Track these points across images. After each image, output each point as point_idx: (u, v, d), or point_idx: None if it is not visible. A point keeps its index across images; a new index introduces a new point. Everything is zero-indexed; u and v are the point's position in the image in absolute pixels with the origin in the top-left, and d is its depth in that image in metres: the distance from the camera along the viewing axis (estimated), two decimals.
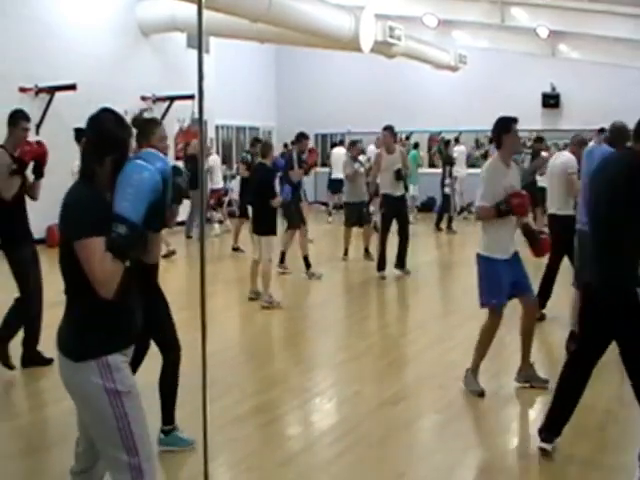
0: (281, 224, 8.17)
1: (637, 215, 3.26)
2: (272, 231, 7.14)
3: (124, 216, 2.23)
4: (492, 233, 4.51)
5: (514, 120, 4.57)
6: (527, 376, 4.74)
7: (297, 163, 8.94)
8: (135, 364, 3.84)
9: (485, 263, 4.53)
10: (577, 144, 6.27)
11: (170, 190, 2.51)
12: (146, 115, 4.44)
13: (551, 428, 3.67)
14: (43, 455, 3.85)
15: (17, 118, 4.95)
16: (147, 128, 3.71)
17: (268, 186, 7.22)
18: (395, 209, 8.83)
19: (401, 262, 8.91)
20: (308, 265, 8.81)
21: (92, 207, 2.29)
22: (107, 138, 2.35)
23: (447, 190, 13.41)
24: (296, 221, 8.95)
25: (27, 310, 5.06)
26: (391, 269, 8.91)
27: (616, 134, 5.23)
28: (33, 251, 5.12)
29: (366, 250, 10.11)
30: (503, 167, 4.52)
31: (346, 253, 10.09)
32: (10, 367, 5.01)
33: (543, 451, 3.67)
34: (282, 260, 8.99)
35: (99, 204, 2.30)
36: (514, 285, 4.53)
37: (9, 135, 4.94)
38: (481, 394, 4.57)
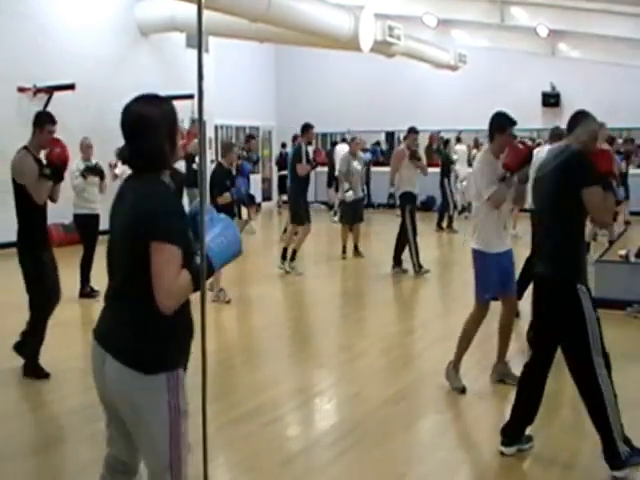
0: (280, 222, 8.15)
1: (569, 206, 3.37)
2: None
3: (211, 259, 2.26)
4: (486, 227, 4.49)
5: (512, 122, 4.53)
6: (501, 373, 4.76)
7: (305, 157, 8.91)
8: None
9: (480, 258, 4.53)
10: (555, 137, 6.35)
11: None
12: None
13: (512, 432, 3.66)
14: (43, 455, 3.84)
15: (43, 121, 4.86)
16: None
17: (217, 184, 7.12)
18: (414, 206, 8.94)
19: (397, 259, 8.93)
20: (292, 258, 8.80)
21: (178, 214, 2.21)
22: (170, 118, 2.32)
23: (446, 189, 13.41)
24: (299, 218, 8.93)
25: (40, 312, 4.96)
26: (386, 268, 8.90)
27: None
28: (52, 255, 5.08)
29: (356, 248, 10.12)
30: (493, 159, 4.51)
31: (344, 251, 10.08)
32: (45, 375, 4.93)
33: (502, 454, 3.67)
34: (284, 257, 8.94)
35: (181, 211, 2.25)
36: (499, 282, 4.54)
37: (34, 136, 4.86)
38: (462, 390, 4.60)
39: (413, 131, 9.23)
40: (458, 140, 15.71)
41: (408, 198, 8.93)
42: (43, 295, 4.92)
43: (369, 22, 11.61)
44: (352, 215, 10.00)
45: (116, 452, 2.41)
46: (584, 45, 15.36)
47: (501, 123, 4.50)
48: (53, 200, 5.07)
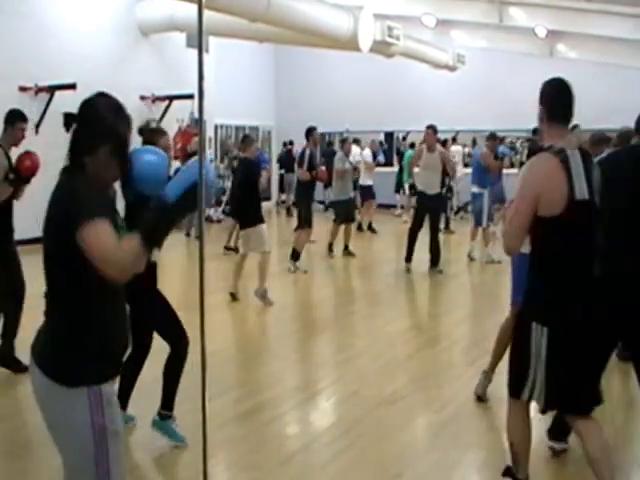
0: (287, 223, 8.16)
1: None
2: (257, 220, 7.02)
3: (165, 198, 1.98)
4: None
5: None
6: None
7: (308, 161, 9.00)
8: (136, 368, 3.90)
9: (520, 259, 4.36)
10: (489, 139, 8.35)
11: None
12: (153, 125, 4.52)
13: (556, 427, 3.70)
14: (41, 455, 3.85)
15: (14, 118, 4.98)
16: (152, 137, 3.86)
17: (251, 177, 7.20)
18: (428, 207, 8.90)
19: (435, 260, 8.96)
20: (295, 258, 8.88)
21: (89, 195, 2.00)
22: (100, 125, 2.07)
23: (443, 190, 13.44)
24: (300, 221, 9.05)
25: (18, 302, 5.03)
26: (384, 268, 8.92)
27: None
28: (16, 250, 5.25)
29: (346, 247, 10.16)
30: None
31: (331, 249, 10.14)
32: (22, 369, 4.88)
33: (552, 450, 3.73)
34: (293, 257, 9.01)
35: (96, 194, 2.04)
36: None
37: (5, 134, 4.98)
38: (479, 398, 4.52)
39: (313, 129, 9.28)
40: (453, 140, 15.74)
41: (420, 198, 9.09)
42: (9, 289, 5.04)
43: (368, 22, 11.63)
44: (345, 214, 10.02)
45: None
46: (582, 46, 15.38)
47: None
48: (16, 198, 5.16)
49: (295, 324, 6.70)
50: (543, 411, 3.04)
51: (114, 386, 2.21)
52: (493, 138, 10.00)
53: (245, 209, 7.18)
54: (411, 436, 4.19)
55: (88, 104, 2.13)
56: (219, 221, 13.58)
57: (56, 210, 2.04)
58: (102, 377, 2.08)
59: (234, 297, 7.24)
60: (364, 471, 3.66)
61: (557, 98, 3.07)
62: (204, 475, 2.97)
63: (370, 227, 12.95)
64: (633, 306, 3.25)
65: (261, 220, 7.06)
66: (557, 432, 3.74)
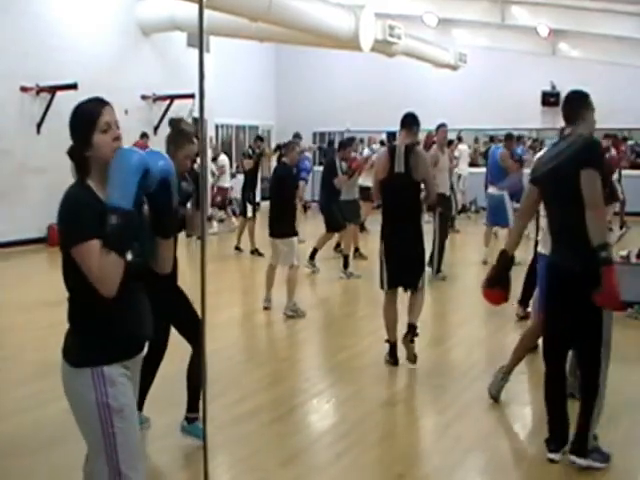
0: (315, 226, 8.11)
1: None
2: (291, 232, 6.75)
3: (114, 205, 2.13)
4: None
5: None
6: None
7: (340, 169, 9.06)
8: (152, 367, 3.83)
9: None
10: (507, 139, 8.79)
11: (176, 193, 2.39)
12: (185, 122, 3.73)
13: (553, 437, 3.66)
14: (41, 455, 3.84)
15: None
16: (178, 139, 3.69)
17: (286, 183, 6.91)
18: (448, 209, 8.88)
19: (438, 267, 8.80)
20: (346, 265, 8.88)
21: (84, 210, 2.18)
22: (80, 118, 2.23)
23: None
24: (335, 224, 9.06)
25: None
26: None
27: None
28: None
29: (356, 250, 10.04)
30: None
31: (357, 250, 10.09)
32: None
33: (551, 461, 3.64)
34: (312, 257, 9.04)
35: (93, 205, 2.19)
36: None
37: None
38: (495, 400, 4.46)
39: (348, 144, 9.29)
40: (459, 140, 15.70)
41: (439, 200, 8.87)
42: None
43: (369, 21, 11.61)
44: (351, 215, 9.89)
45: None
46: (585, 45, 15.36)
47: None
48: None
49: (295, 325, 6.68)
50: None
51: (126, 368, 2.32)
52: (510, 138, 9.68)
53: (277, 218, 6.77)
54: (413, 437, 4.18)
55: (77, 108, 2.29)
56: (221, 220, 13.57)
57: (59, 219, 2.25)
58: (107, 359, 2.25)
59: (266, 309, 6.97)
60: (366, 472, 3.65)
61: None
62: (205, 476, 2.97)
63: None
64: None
65: (294, 233, 6.79)
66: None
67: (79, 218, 2.18)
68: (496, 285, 3.80)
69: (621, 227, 11.87)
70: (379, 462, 3.72)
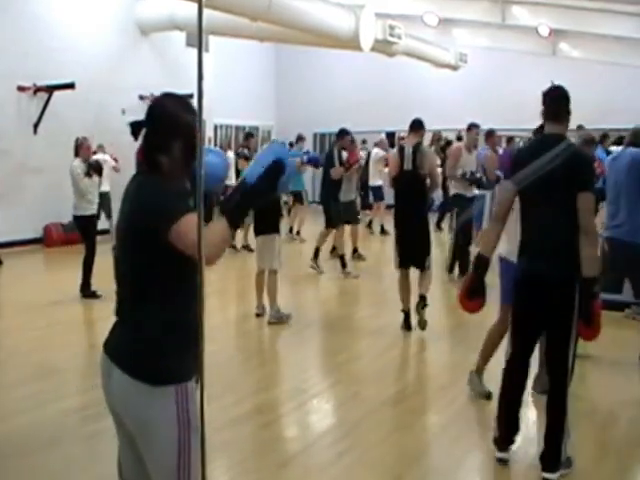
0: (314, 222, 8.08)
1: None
2: (272, 229, 6.53)
3: (251, 183, 2.05)
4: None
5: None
6: (545, 385, 4.62)
7: (338, 161, 9.00)
8: None
9: (505, 265, 4.39)
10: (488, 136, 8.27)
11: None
12: None
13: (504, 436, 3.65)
14: (40, 455, 3.83)
15: None
16: None
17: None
18: (465, 210, 8.55)
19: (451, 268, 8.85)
20: (344, 264, 8.82)
21: (173, 193, 2.10)
22: (172, 122, 2.16)
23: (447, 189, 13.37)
24: (330, 221, 9.02)
25: None
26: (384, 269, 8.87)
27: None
28: None
29: (355, 250, 10.04)
30: None
31: (316, 255, 9.96)
32: None
33: (500, 461, 3.64)
34: (315, 256, 9.02)
35: (179, 191, 2.12)
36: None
37: None
38: (487, 396, 4.47)
39: (345, 132, 9.26)
40: (459, 139, 15.68)
41: (457, 201, 8.68)
42: None
43: (370, 21, 11.60)
44: (347, 216, 9.82)
45: (127, 476, 2.31)
46: (585, 45, 15.34)
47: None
48: None
49: (294, 325, 6.66)
50: None
51: (194, 382, 2.23)
52: (491, 134, 8.93)
53: (260, 215, 6.56)
54: (412, 438, 4.16)
55: (157, 105, 2.22)
56: None
57: (144, 210, 2.09)
58: (188, 373, 2.14)
59: (259, 315, 6.76)
60: (365, 473, 3.63)
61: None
62: (202, 478, 2.94)
63: (382, 229, 12.87)
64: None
65: (276, 230, 6.58)
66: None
67: (171, 199, 2.08)
68: (475, 294, 3.72)
69: None
70: (378, 463, 3.70)
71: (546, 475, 3.44)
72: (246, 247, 10.59)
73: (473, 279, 3.69)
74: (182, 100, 2.24)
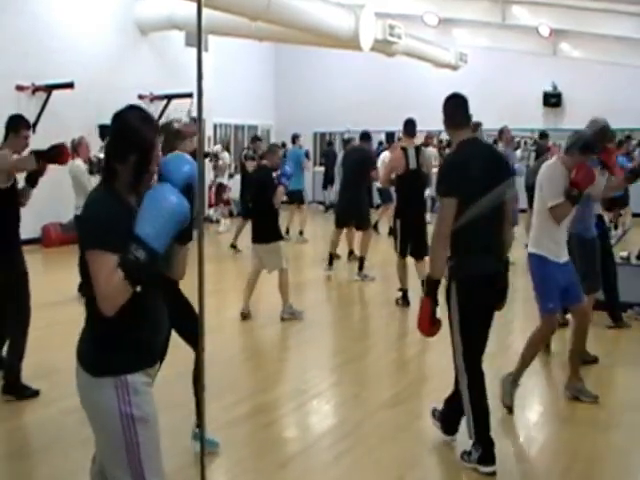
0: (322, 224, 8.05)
1: None
2: (275, 237, 6.56)
3: (146, 241, 2.09)
4: (548, 233, 4.28)
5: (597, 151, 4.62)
6: (576, 390, 4.50)
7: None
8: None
9: (539, 263, 4.32)
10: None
11: (196, 197, 2.35)
12: (176, 125, 4.04)
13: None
14: (41, 456, 3.82)
15: (18, 125, 4.63)
16: (172, 140, 3.71)
17: (267, 187, 6.60)
18: None
19: None
20: (361, 267, 8.66)
21: (112, 218, 2.15)
22: (131, 135, 2.21)
23: None
24: (367, 222, 9.01)
25: (23, 324, 4.58)
26: (385, 270, 8.86)
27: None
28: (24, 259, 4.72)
29: (350, 252, 9.85)
30: (565, 172, 4.29)
31: (331, 262, 9.80)
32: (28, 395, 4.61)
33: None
34: (360, 268, 8.75)
35: (120, 214, 2.16)
36: (565, 292, 4.32)
37: (8, 141, 4.62)
38: (510, 410, 4.34)
39: (475, 125, 9.20)
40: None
41: None
42: (21, 305, 4.59)
43: (370, 21, 11.59)
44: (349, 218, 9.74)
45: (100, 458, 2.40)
46: (586, 45, 15.33)
47: (591, 147, 4.35)
48: (22, 205, 4.75)
49: (294, 326, 6.65)
50: None
51: (148, 376, 2.29)
52: (502, 133, 8.52)
53: (260, 223, 6.59)
54: (412, 439, 4.15)
55: (120, 117, 2.27)
56: (217, 221, 13.56)
57: (83, 218, 2.27)
58: (130, 367, 2.21)
59: (245, 317, 6.71)
60: (365, 474, 3.62)
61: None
62: (202, 479, 2.94)
63: (390, 231, 12.81)
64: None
65: (279, 237, 6.61)
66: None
67: (106, 224, 2.14)
68: (434, 318, 3.72)
69: (615, 227, 11.84)
70: (379, 464, 3.69)
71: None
72: (234, 247, 10.47)
73: (431, 304, 3.66)
74: (145, 115, 2.29)
